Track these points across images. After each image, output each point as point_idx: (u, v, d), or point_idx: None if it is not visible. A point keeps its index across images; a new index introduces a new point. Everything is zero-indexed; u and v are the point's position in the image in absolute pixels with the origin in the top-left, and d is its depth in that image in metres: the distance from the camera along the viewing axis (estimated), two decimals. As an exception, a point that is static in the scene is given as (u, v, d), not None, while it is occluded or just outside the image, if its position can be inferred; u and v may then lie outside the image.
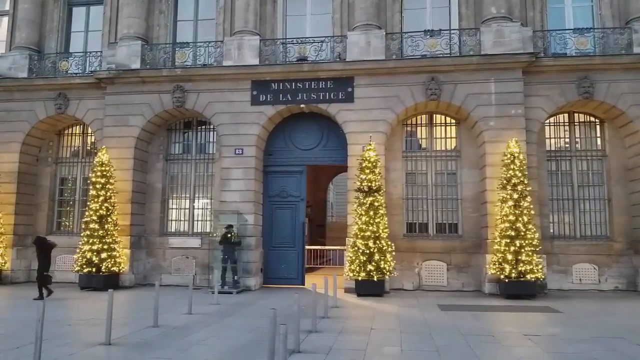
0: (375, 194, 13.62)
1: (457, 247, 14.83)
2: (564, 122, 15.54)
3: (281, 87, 15.28)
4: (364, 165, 13.76)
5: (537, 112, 14.55)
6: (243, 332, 8.62)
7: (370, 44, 14.87)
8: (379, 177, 13.79)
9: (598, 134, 15.48)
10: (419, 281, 14.79)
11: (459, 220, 15.19)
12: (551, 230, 14.92)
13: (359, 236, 13.44)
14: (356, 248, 13.48)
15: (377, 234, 13.37)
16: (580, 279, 14.53)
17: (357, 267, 13.26)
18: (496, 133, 14.21)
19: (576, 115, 15.54)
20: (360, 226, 13.47)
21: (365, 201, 13.60)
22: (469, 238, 14.85)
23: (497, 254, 13.17)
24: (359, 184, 13.79)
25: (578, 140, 15.52)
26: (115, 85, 15.97)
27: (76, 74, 16.70)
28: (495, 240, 13.36)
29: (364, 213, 13.51)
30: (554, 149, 15.45)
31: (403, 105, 14.69)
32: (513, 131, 14.08)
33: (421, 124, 15.84)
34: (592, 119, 15.51)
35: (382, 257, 13.29)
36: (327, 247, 23.29)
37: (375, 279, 13.13)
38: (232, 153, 15.26)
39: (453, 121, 15.63)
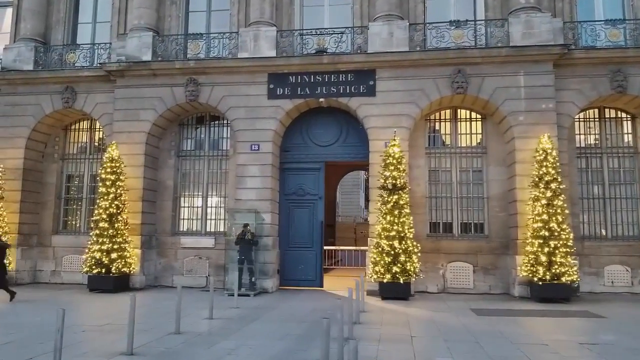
0: (400, 191, 12.97)
1: (483, 247, 14.17)
2: (593, 118, 14.90)
3: (299, 81, 14.62)
4: (388, 161, 13.11)
5: (568, 107, 13.90)
6: (272, 339, 7.95)
7: (392, 35, 14.20)
8: (403, 174, 13.14)
9: (629, 130, 14.83)
10: (443, 283, 14.13)
11: (485, 220, 14.53)
12: (581, 231, 14.26)
13: (383, 236, 12.79)
14: (380, 249, 12.82)
15: (402, 234, 12.71)
16: (612, 282, 13.88)
17: (382, 269, 12.60)
18: (526, 128, 13.56)
19: (606, 110, 14.90)
20: (385, 225, 12.82)
21: (389, 199, 12.95)
22: (496, 238, 14.19)
23: (529, 255, 12.52)
24: (382, 181, 13.14)
25: (608, 136, 14.86)
26: (125, 78, 15.29)
27: (84, 66, 16.01)
28: (527, 241, 12.71)
29: (388, 212, 12.86)
30: (583, 145, 14.81)
31: (428, 99, 14.03)
32: (544, 126, 13.44)
33: (445, 119, 15.18)
34: (623, 114, 14.86)
35: (408, 258, 12.63)
36: (341, 248, 22.68)
37: (401, 282, 12.48)
38: (248, 149, 14.59)
39: (478, 116, 14.97)
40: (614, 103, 14.56)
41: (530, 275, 12.45)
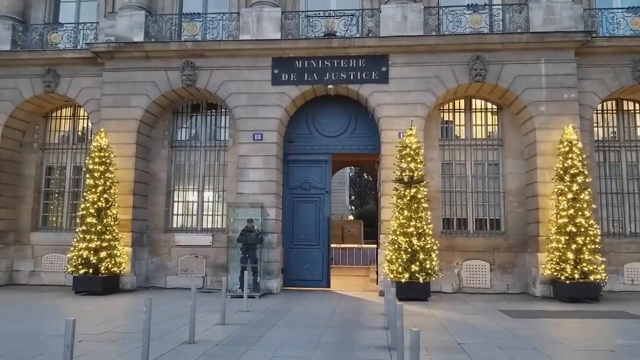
0: (418, 184, 12.10)
1: (500, 245, 13.41)
2: (611, 110, 14.29)
3: (306, 66, 13.60)
4: (404, 152, 12.21)
5: (589, 97, 13.25)
6: (306, 349, 6.93)
7: (407, 18, 13.31)
8: (420, 165, 12.27)
9: (648, 123, 14.31)
10: (459, 283, 13.33)
11: (501, 216, 13.78)
12: (600, 227, 13.60)
13: (400, 232, 11.89)
14: (396, 246, 11.92)
15: (421, 230, 11.84)
16: (632, 280, 13.29)
17: (399, 268, 11.69)
18: (547, 119, 12.85)
19: (624, 102, 14.32)
20: (402, 222, 11.92)
21: (406, 193, 12.06)
22: (513, 235, 13.45)
23: (554, 253, 11.80)
24: (398, 173, 12.25)
25: (626, 129, 14.28)
26: (114, 60, 14.01)
27: (68, 48, 14.65)
28: (551, 238, 11.99)
29: (405, 206, 11.96)
30: (600, 138, 14.20)
31: (444, 87, 13.19)
32: (566, 117, 12.75)
33: (459, 109, 14.37)
34: (640, 106, 14.34)
35: (427, 256, 11.77)
36: (349, 246, 21.88)
37: (420, 281, 11.60)
38: (251, 139, 13.50)
39: (494, 107, 14.21)
40: (632, 95, 13.98)
41: (556, 273, 11.74)
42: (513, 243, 13.39)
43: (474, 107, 14.29)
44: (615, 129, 14.27)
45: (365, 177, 41.10)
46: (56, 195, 15.22)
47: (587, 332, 8.30)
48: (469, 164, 14.02)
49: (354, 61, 13.48)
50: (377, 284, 14.95)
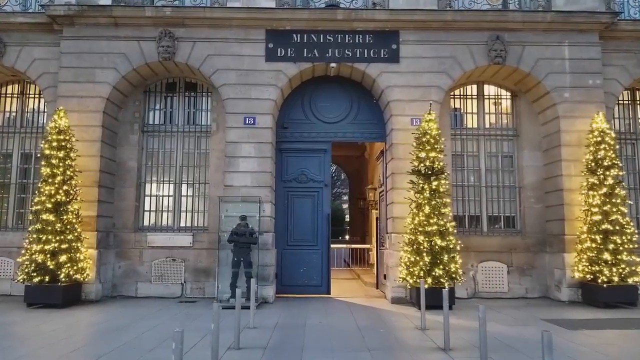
0: (439, 176, 10.65)
1: (518, 244, 12.19)
2: (628, 100, 13.39)
3: (305, 40, 11.87)
4: (423, 140, 10.73)
5: (613, 85, 12.25)
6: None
7: (419, -9, 11.85)
8: (441, 155, 10.85)
9: (663, 114, 13.52)
10: (474, 287, 12.00)
11: (517, 213, 12.57)
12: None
13: (419, 231, 10.40)
14: (414, 247, 10.42)
15: (443, 229, 10.40)
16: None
17: (420, 272, 10.18)
18: (572, 107, 11.74)
19: (637, 92, 13.46)
20: (421, 219, 10.43)
21: (426, 186, 10.58)
22: (531, 234, 12.26)
23: (587, 253, 10.66)
24: (416, 164, 10.76)
25: (641, 121, 13.45)
26: (75, 27, 11.74)
27: (17, 11, 12.22)
28: (583, 237, 10.85)
29: (426, 202, 10.48)
30: (615, 129, 13.25)
31: (461, 68, 11.82)
32: (591, 105, 11.69)
33: (470, 95, 13.05)
34: (655, 97, 13.52)
35: (451, 258, 10.33)
36: (353, 246, 20.38)
37: (445, 287, 10.08)
38: (241, 123, 11.63)
39: (507, 94, 13.00)
40: (650, 84, 13.15)
41: (589, 276, 10.59)
42: (531, 242, 12.20)
43: (487, 93, 13.01)
44: (631, 121, 13.37)
45: (334, 172, 39.53)
46: (0, 187, 12.74)
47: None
48: (482, 156, 12.73)
49: (360, 37, 11.88)
50: (376, 288, 13.50)
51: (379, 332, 8.03)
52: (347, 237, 34.92)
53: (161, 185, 12.58)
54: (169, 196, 12.53)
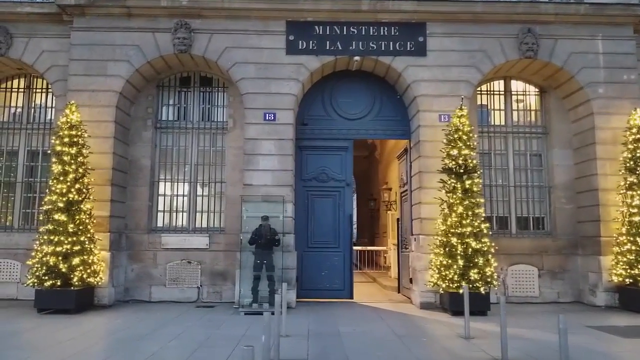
0: (472, 175, 10.14)
1: (549, 247, 11.68)
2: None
3: (327, 32, 11.34)
4: (455, 136, 10.22)
5: (645, 81, 11.78)
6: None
7: (447, -19, 11.33)
8: (474, 152, 10.34)
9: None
10: (504, 291, 11.46)
11: (547, 214, 12.07)
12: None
13: (451, 233, 9.88)
14: (447, 249, 9.90)
15: (477, 230, 9.88)
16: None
17: (454, 276, 9.66)
18: (606, 103, 11.26)
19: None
20: (454, 220, 9.91)
21: (457, 186, 10.07)
22: (562, 236, 11.76)
23: (626, 256, 10.17)
24: (447, 162, 10.24)
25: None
26: (87, 17, 11.17)
27: (24, 0, 11.63)
28: (621, 239, 10.36)
29: (458, 202, 9.96)
30: None
31: (491, 62, 11.31)
32: (626, 101, 11.21)
33: (496, 91, 12.54)
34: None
35: (486, 261, 9.82)
36: (369, 248, 19.91)
37: (481, 291, 9.62)
38: (261, 119, 11.08)
39: (536, 90, 12.50)
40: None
41: (629, 280, 10.10)
42: (562, 245, 11.70)
43: (514, 89, 12.51)
44: (661, 119, 12.87)
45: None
46: (6, 186, 12.10)
47: None
48: (510, 154, 12.22)
49: (385, 29, 11.35)
50: (398, 292, 12.99)
51: (422, 341, 7.49)
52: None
53: (175, 184, 12.01)
54: (183, 196, 11.96)
